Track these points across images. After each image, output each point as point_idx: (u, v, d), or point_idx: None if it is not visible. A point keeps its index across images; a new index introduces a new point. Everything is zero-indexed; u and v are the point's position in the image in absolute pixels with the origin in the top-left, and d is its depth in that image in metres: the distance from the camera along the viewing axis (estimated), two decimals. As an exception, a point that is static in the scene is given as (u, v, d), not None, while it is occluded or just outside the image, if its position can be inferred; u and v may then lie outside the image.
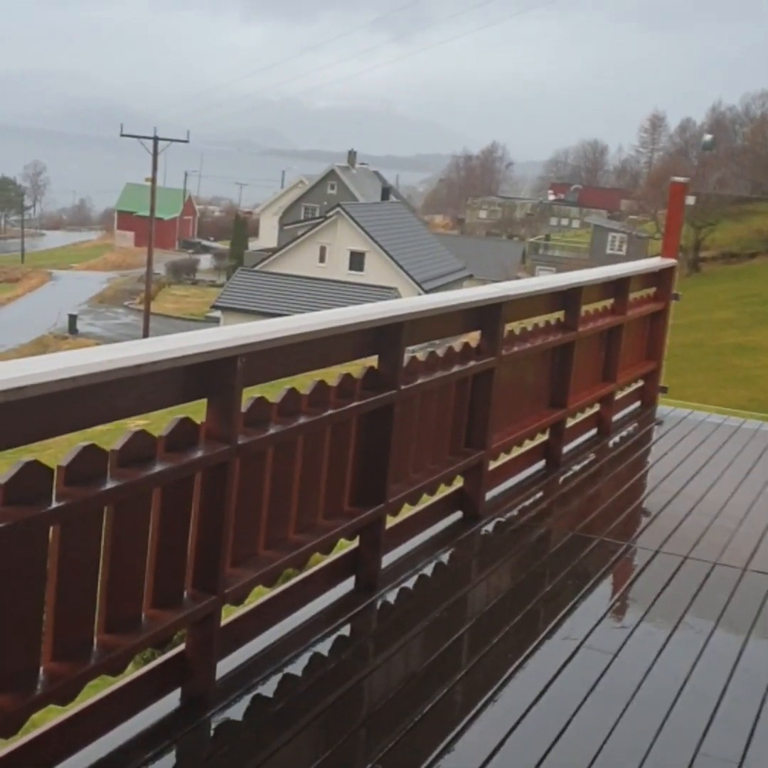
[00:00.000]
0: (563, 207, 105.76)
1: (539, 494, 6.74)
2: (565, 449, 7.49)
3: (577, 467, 7.41)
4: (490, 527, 6.02)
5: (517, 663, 4.39)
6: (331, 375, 4.53)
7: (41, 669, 3.15)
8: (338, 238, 56.31)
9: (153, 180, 46.76)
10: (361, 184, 76.29)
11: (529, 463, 7.11)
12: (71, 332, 50.30)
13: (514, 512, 6.29)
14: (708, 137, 75.78)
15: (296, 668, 4.15)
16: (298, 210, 74.73)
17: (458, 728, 3.85)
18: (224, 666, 3.98)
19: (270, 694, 3.94)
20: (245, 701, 3.87)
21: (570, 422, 7.54)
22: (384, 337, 4.75)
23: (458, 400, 5.74)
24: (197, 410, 3.74)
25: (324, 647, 4.35)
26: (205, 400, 3.72)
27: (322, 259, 56.61)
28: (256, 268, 55.46)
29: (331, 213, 58.10)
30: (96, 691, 3.51)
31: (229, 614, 4.04)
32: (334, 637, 4.46)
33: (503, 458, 6.60)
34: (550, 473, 7.16)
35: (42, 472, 3.02)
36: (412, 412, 5.20)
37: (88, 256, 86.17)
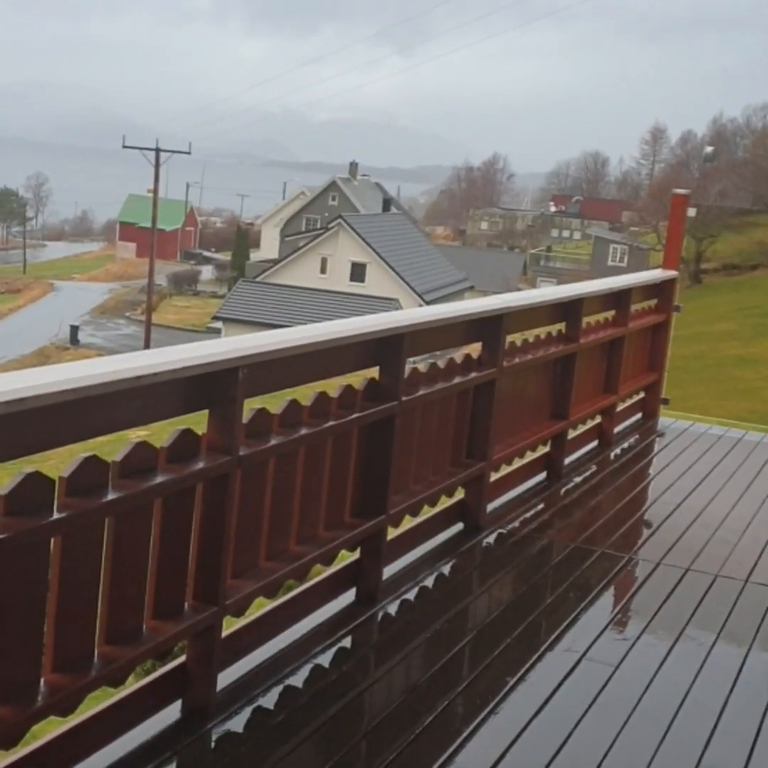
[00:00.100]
0: (564, 218, 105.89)
1: (540, 506, 6.74)
2: (567, 461, 7.49)
3: (578, 479, 7.41)
4: (491, 539, 6.01)
5: (518, 675, 4.39)
6: (333, 386, 4.54)
7: (42, 680, 3.14)
8: (339, 250, 56.37)
9: (155, 191, 46.83)
10: (363, 196, 76.40)
11: (531, 475, 7.10)
12: (73, 343, 50.32)
13: (516, 524, 6.28)
14: (709, 149, 75.90)
15: (297, 680, 4.15)
16: (300, 221, 74.81)
17: (459, 740, 3.84)
18: (225, 677, 3.97)
19: (271, 706, 3.94)
20: (246, 713, 3.86)
21: (571, 434, 7.54)
22: (385, 348, 4.76)
23: (459, 411, 5.74)
24: (199, 421, 3.74)
25: (325, 659, 4.35)
26: (206, 412, 3.72)
27: (323, 271, 56.66)
28: (258, 279, 55.50)
29: (332, 224, 58.18)
30: (97, 702, 3.50)
31: (229, 626, 4.03)
32: (335, 648, 4.45)
33: (504, 470, 6.60)
34: (551, 485, 7.15)
35: (43, 484, 3.02)
36: (414, 424, 5.20)
37: (89, 267, 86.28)
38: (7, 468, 3.33)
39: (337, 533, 4.60)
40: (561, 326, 7.16)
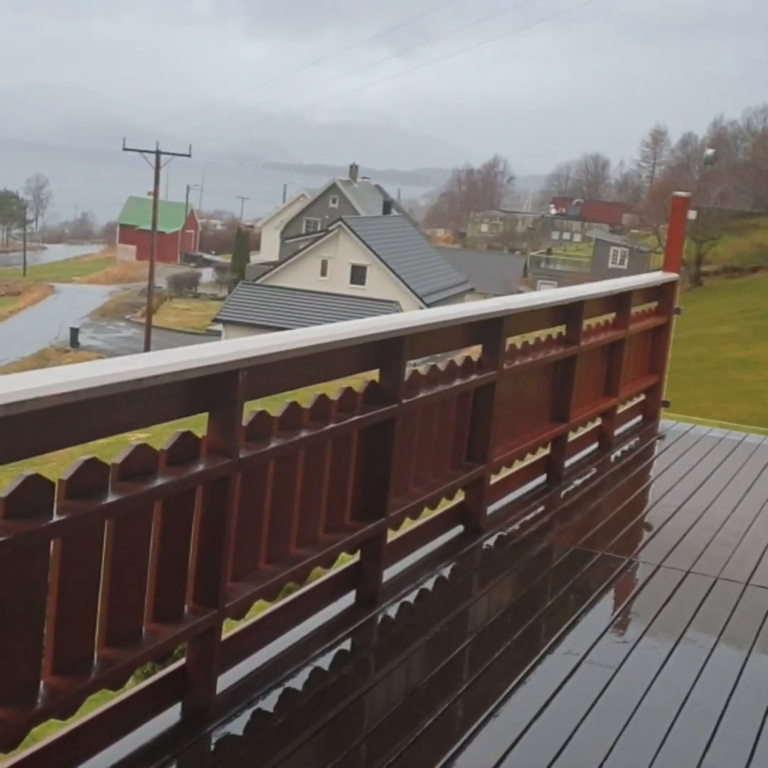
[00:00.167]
0: (565, 221, 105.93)
1: (541, 508, 6.73)
2: (567, 463, 7.49)
3: (578, 481, 7.41)
4: (491, 541, 6.01)
5: (518, 678, 4.38)
6: (333, 389, 4.54)
7: (42, 683, 3.14)
8: (340, 252, 56.39)
9: (155, 194, 46.84)
10: (363, 198, 76.42)
11: (531, 477, 7.10)
12: (73, 345, 50.34)
13: (516, 526, 6.28)
14: (709, 152, 75.90)
15: (297, 682, 4.14)
16: (300, 224, 74.84)
17: (459, 743, 3.84)
18: (225, 680, 3.97)
19: (270, 709, 3.94)
20: (246, 715, 3.86)
21: (572, 436, 7.54)
22: (385, 350, 4.76)
23: (460, 414, 5.74)
24: (199, 424, 3.74)
25: (325, 661, 4.34)
26: (206, 414, 3.72)
27: (323, 273, 56.69)
28: (258, 281, 55.52)
29: (332, 227, 58.20)
30: (97, 705, 3.50)
31: (229, 628, 4.03)
32: (334, 651, 4.45)
33: (505, 472, 6.59)
34: (551, 487, 7.15)
35: (43, 486, 3.02)
36: (414, 426, 5.20)
37: (89, 270, 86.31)
38: (8, 470, 3.33)
39: (337, 536, 4.60)
40: (561, 329, 7.16)
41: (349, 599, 4.89)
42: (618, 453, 8.32)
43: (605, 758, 3.82)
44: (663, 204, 50.22)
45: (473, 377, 5.71)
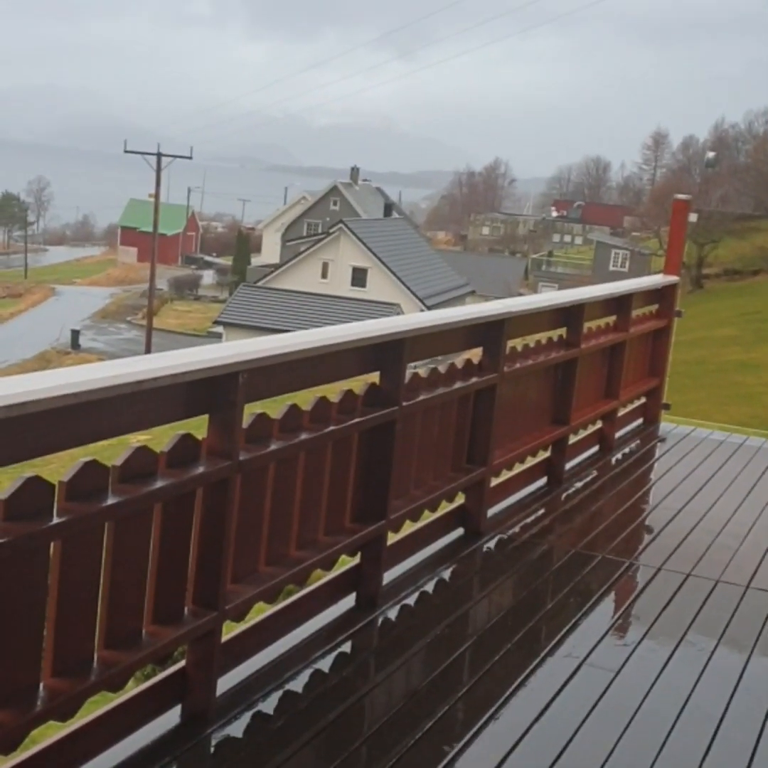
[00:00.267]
0: (566, 223, 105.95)
1: (541, 511, 6.73)
2: (568, 466, 7.48)
3: (579, 484, 7.40)
4: (491, 544, 6.01)
5: (518, 680, 4.38)
6: (333, 391, 4.53)
7: (41, 685, 3.14)
8: (341, 254, 56.41)
9: (156, 196, 46.87)
10: (364, 201, 76.44)
11: (531, 480, 7.09)
12: (74, 347, 50.35)
13: (516, 529, 6.28)
14: (711, 154, 75.93)
15: (297, 685, 4.14)
16: (301, 226, 74.85)
17: (459, 746, 3.83)
18: (225, 682, 3.96)
19: (270, 711, 3.93)
20: (245, 718, 3.86)
21: (572, 439, 7.53)
22: (386, 353, 4.75)
23: (460, 416, 5.74)
24: (200, 425, 3.74)
25: (325, 664, 4.34)
26: (206, 416, 3.72)
27: (324, 275, 56.70)
28: (259, 283, 55.55)
29: (333, 229, 58.22)
30: (96, 706, 3.50)
31: (229, 630, 4.03)
32: (335, 653, 4.44)
33: (505, 475, 6.59)
34: (552, 490, 7.15)
35: (43, 488, 3.02)
36: (414, 429, 5.20)
37: (91, 272, 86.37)
38: (8, 472, 3.33)
39: (337, 538, 4.60)
40: (562, 331, 7.16)
41: (349, 601, 4.89)
42: (619, 456, 8.32)
43: (605, 761, 3.82)
44: (664, 207, 50.24)
45: (474, 380, 5.71)
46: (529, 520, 6.50)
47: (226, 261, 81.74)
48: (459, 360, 5.78)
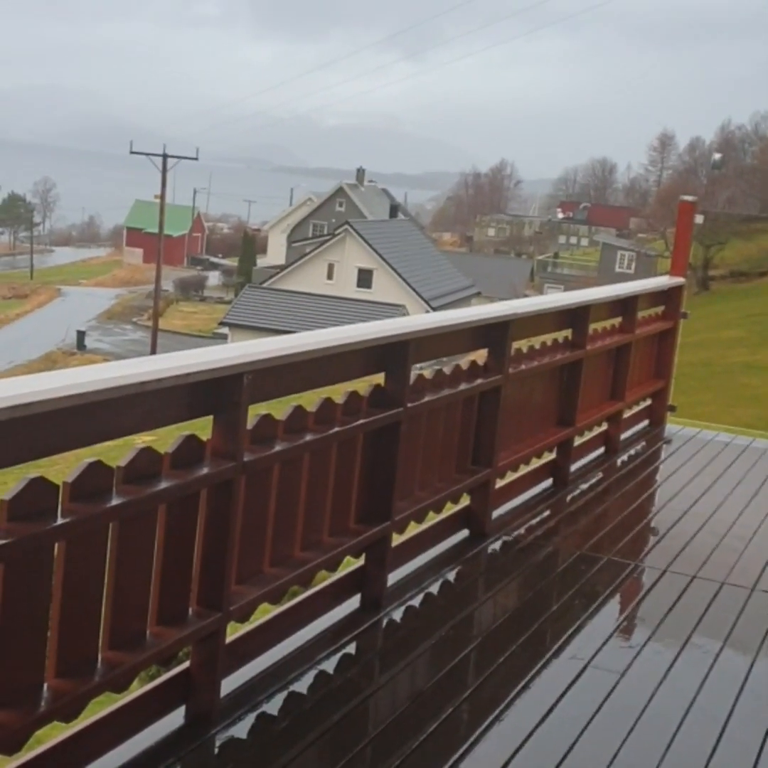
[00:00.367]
0: (572, 225, 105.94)
1: (546, 513, 6.72)
2: (573, 468, 7.47)
3: (584, 486, 7.39)
4: (496, 546, 6.00)
5: (523, 682, 4.37)
6: (338, 392, 4.53)
7: (45, 685, 3.14)
8: (346, 256, 56.44)
9: (162, 197, 46.92)
10: (370, 202, 76.47)
11: (537, 482, 7.09)
12: (79, 348, 50.40)
13: (521, 531, 6.27)
14: (717, 156, 75.81)
15: (301, 686, 4.14)
16: (307, 227, 74.91)
17: (464, 747, 3.83)
18: (229, 683, 3.96)
19: (275, 712, 3.93)
20: (250, 719, 3.85)
21: (578, 441, 7.52)
22: (391, 354, 4.75)
23: (465, 417, 5.73)
24: (205, 426, 3.74)
25: (329, 665, 4.34)
26: (211, 417, 3.72)
27: (330, 277, 56.73)
28: (264, 285, 55.60)
29: (339, 230, 58.26)
30: (101, 707, 3.50)
31: (234, 631, 4.03)
32: (339, 655, 4.44)
33: (510, 476, 6.59)
34: (557, 492, 7.14)
35: (47, 489, 3.02)
36: (419, 430, 5.19)
37: (96, 273, 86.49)
38: (14, 472, 3.33)
39: (341, 539, 4.60)
40: (567, 333, 7.15)
41: (353, 603, 4.89)
42: (624, 457, 8.31)
43: (610, 763, 3.81)
44: (670, 208, 50.21)
45: (479, 381, 5.70)
46: (534, 521, 6.50)
47: (231, 262, 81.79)
48: (464, 361, 5.77)
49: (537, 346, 6.67)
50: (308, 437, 4.21)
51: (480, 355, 5.94)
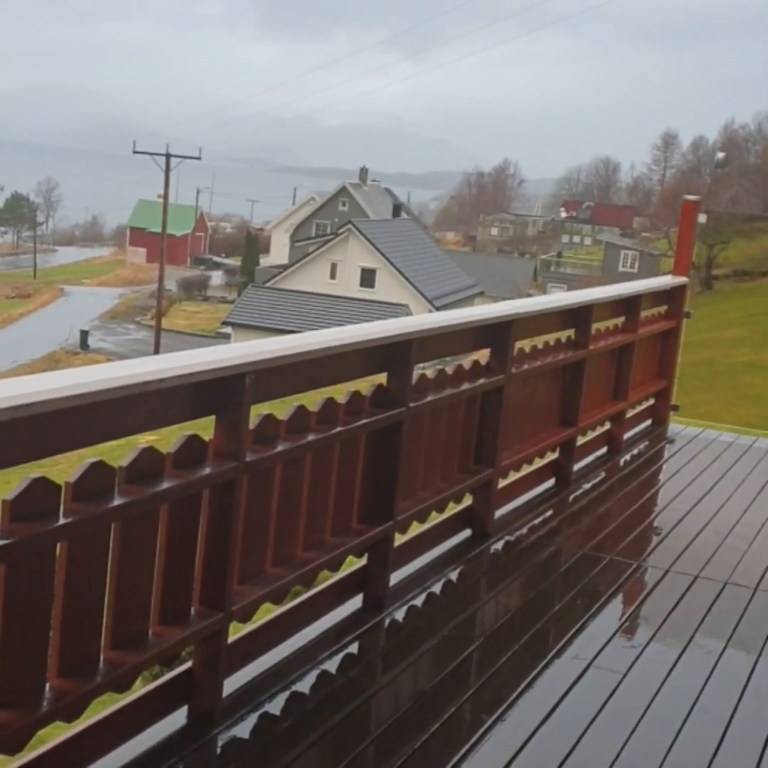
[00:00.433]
0: (575, 224, 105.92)
1: (549, 513, 6.72)
2: (576, 467, 7.47)
3: (587, 485, 7.39)
4: (499, 545, 6.00)
5: (525, 682, 4.37)
6: (340, 392, 4.53)
7: (47, 685, 3.14)
8: (349, 255, 56.43)
9: (165, 196, 46.93)
10: (373, 201, 76.46)
11: (539, 482, 7.08)
12: (83, 348, 50.45)
13: (524, 530, 6.27)
14: (721, 155, 75.85)
15: (304, 686, 4.14)
16: (310, 227, 74.92)
17: (466, 747, 3.83)
18: (231, 683, 3.96)
19: (277, 712, 3.93)
20: (252, 719, 3.85)
21: (580, 440, 7.52)
22: (393, 354, 4.75)
23: (467, 417, 5.73)
24: (208, 426, 3.74)
25: (332, 665, 4.34)
26: (213, 417, 3.72)
27: (333, 276, 56.74)
28: (267, 284, 55.60)
29: (342, 230, 58.26)
30: (103, 707, 3.50)
31: (236, 631, 4.03)
32: (341, 654, 4.44)
33: (513, 476, 6.58)
34: (560, 491, 7.13)
35: (50, 489, 3.02)
36: (421, 430, 5.19)
37: (100, 272, 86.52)
38: (17, 472, 3.34)
39: (344, 539, 4.60)
40: (570, 332, 7.14)
41: (356, 603, 4.89)
42: (627, 457, 8.30)
43: (612, 763, 3.81)
44: (674, 207, 50.16)
45: (481, 381, 5.70)
46: (536, 521, 6.49)
47: (234, 262, 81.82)
48: (466, 361, 5.77)
49: (540, 346, 6.66)
50: (310, 437, 4.21)
51: (483, 355, 5.94)
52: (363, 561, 4.92)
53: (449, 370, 5.46)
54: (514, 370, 6.01)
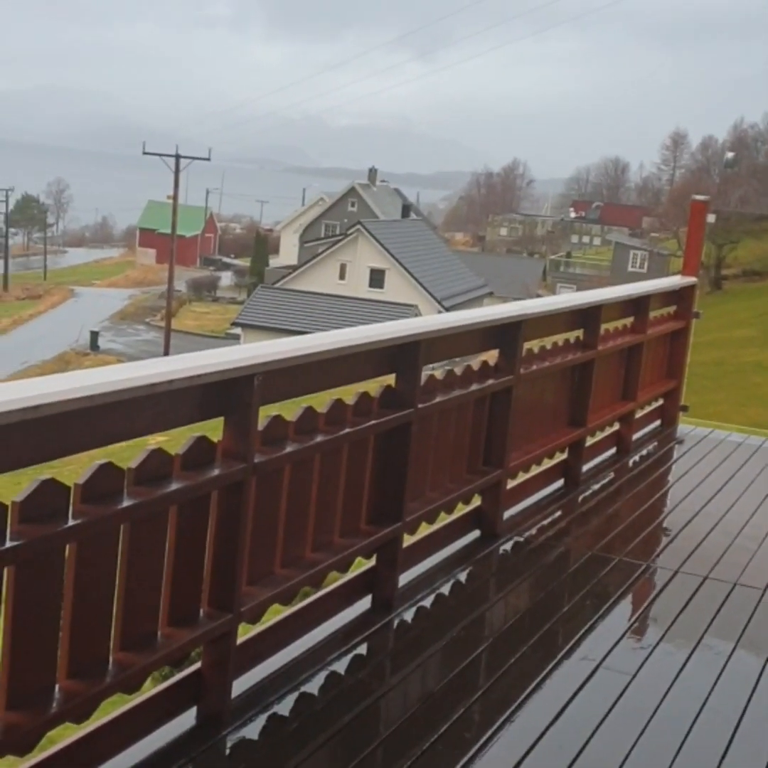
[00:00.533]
0: (584, 224, 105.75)
1: (558, 513, 6.72)
2: (585, 468, 7.46)
3: (596, 486, 7.38)
4: (508, 546, 5.99)
5: (534, 683, 4.37)
6: (349, 393, 4.53)
7: (57, 686, 3.15)
8: (358, 256, 56.45)
9: (175, 197, 47.02)
10: (382, 202, 76.46)
11: (548, 482, 7.08)
12: (93, 349, 50.54)
13: (533, 531, 6.26)
14: (730, 155, 75.68)
15: (312, 687, 4.14)
16: (319, 227, 74.96)
17: (475, 748, 3.83)
18: (240, 684, 3.97)
19: (286, 713, 3.93)
20: (261, 720, 3.86)
21: (589, 441, 7.51)
22: (402, 355, 4.75)
23: (476, 418, 5.73)
24: (216, 428, 3.75)
25: (340, 666, 4.34)
26: (222, 418, 3.72)
27: (342, 277, 56.75)
28: (277, 285, 55.64)
29: (351, 230, 58.26)
30: (112, 708, 3.51)
31: (245, 632, 4.04)
32: (350, 656, 4.44)
33: (522, 477, 6.58)
34: (569, 492, 7.13)
35: (58, 490, 3.03)
36: (430, 431, 5.19)
37: (109, 273, 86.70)
38: (28, 473, 3.35)
39: (352, 540, 4.60)
40: (579, 333, 7.14)
41: (364, 604, 4.89)
42: (636, 458, 8.29)
43: (622, 764, 3.80)
44: (683, 207, 50.08)
45: (490, 382, 5.70)
46: (545, 522, 6.49)
47: (244, 262, 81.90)
48: (475, 362, 5.77)
49: (548, 347, 6.66)
50: (319, 438, 4.21)
51: (491, 356, 5.94)
52: (372, 562, 4.92)
53: (458, 370, 5.46)
54: (522, 370, 6.01)
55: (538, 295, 49.53)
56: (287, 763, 3.61)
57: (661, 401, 9.29)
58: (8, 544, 2.85)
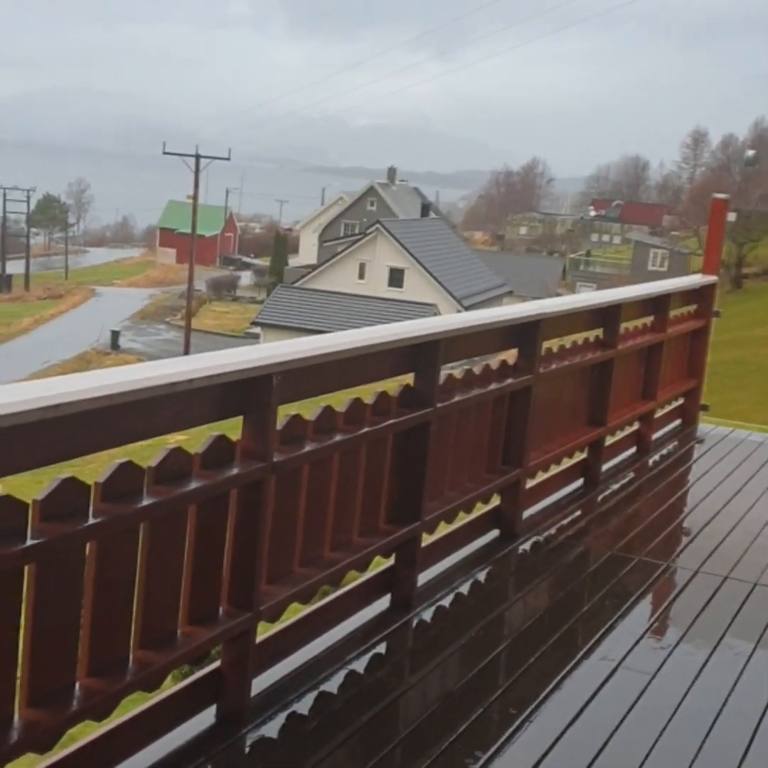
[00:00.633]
0: (604, 223, 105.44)
1: (577, 513, 6.70)
2: (604, 467, 7.44)
3: (616, 486, 7.36)
4: (527, 546, 5.99)
5: (554, 683, 4.36)
6: (368, 392, 4.54)
7: (77, 684, 3.17)
8: (378, 255, 56.45)
9: (195, 197, 47.13)
10: (401, 201, 76.44)
11: (567, 482, 7.06)
12: (113, 348, 50.71)
13: (552, 531, 6.25)
14: (750, 153, 75.25)
15: (331, 686, 4.15)
16: (338, 227, 74.99)
17: (494, 748, 3.82)
18: (259, 683, 3.98)
19: (305, 712, 3.94)
20: (280, 718, 3.87)
21: (609, 440, 7.49)
22: (420, 354, 4.75)
23: (495, 417, 5.72)
24: (236, 427, 3.76)
25: (359, 665, 4.35)
26: (241, 418, 3.73)
27: (361, 276, 56.76)
28: (296, 284, 55.70)
29: (370, 229, 58.27)
30: (132, 706, 3.52)
31: (264, 631, 4.05)
32: (369, 654, 4.45)
33: (541, 476, 6.57)
34: (588, 492, 7.11)
35: (79, 489, 3.04)
36: (449, 430, 5.19)
37: (130, 273, 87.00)
38: (48, 472, 3.37)
39: (371, 539, 4.60)
40: (598, 332, 7.12)
41: (383, 603, 4.90)
42: (656, 457, 8.27)
43: (641, 764, 3.80)
44: (703, 205, 49.82)
45: (509, 381, 5.69)
46: (565, 521, 6.48)
47: (263, 262, 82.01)
48: (494, 361, 5.77)
49: (568, 346, 6.65)
50: (338, 437, 4.22)
51: (510, 355, 5.93)
52: (390, 561, 4.93)
53: (477, 370, 5.46)
54: (541, 369, 6.00)
55: (558, 294, 49.39)
56: (306, 762, 3.62)
57: (681, 400, 9.26)
58: (29, 542, 2.86)
